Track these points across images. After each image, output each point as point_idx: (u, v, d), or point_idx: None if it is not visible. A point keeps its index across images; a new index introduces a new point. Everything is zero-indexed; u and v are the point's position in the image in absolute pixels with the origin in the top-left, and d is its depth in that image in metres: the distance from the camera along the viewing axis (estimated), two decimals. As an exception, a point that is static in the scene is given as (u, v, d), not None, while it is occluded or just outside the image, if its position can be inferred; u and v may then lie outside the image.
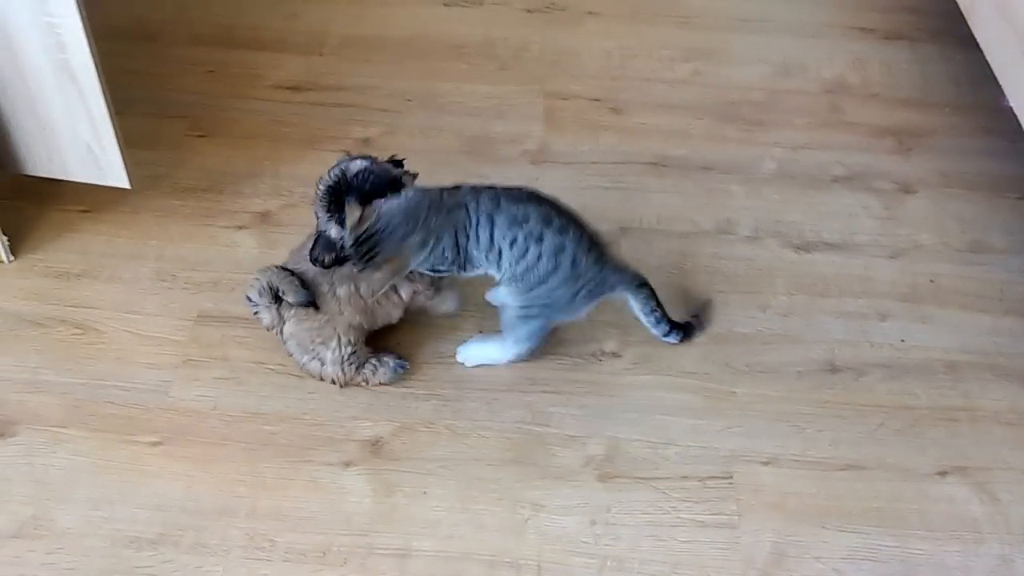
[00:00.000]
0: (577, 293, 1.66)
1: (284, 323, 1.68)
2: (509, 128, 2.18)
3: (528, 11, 2.47)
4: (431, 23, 2.42)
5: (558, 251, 1.62)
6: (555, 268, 1.63)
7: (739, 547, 1.56)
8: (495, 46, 2.37)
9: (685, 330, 1.78)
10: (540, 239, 1.62)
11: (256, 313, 1.69)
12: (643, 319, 1.75)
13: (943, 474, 1.66)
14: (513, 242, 1.63)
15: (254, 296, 1.68)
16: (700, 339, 1.81)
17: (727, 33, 2.43)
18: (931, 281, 1.93)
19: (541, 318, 1.69)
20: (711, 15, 2.49)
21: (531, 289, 1.65)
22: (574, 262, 1.63)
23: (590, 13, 2.47)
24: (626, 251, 1.93)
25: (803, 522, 1.59)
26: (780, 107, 2.26)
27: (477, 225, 1.62)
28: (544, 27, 2.43)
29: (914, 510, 1.61)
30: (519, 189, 1.68)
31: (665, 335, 1.76)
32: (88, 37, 1.64)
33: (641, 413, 1.71)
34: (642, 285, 1.72)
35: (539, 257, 1.63)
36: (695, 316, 1.81)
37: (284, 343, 1.70)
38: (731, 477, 1.63)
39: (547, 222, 1.63)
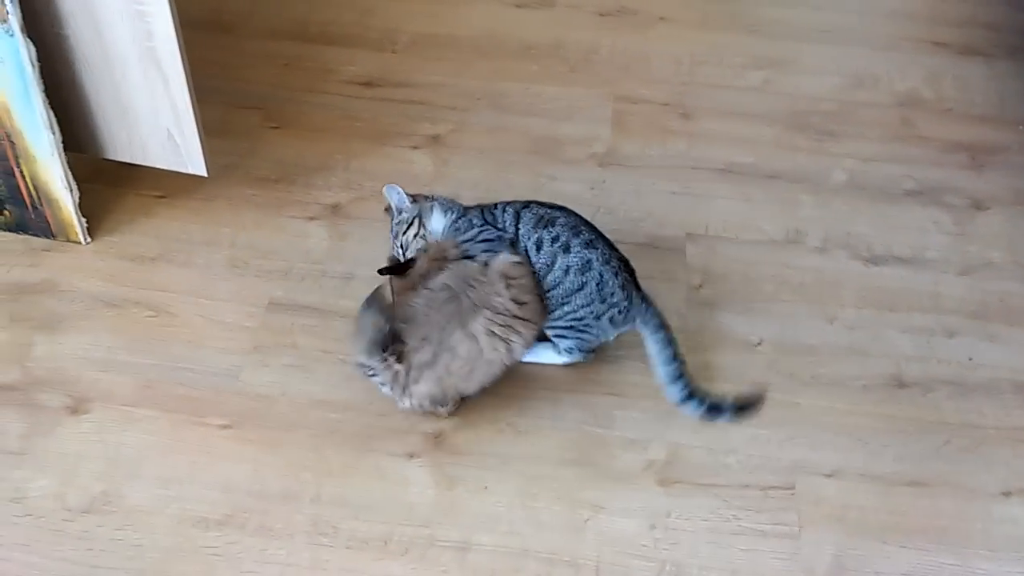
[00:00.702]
0: (602, 316, 1.67)
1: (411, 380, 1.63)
2: (577, 130, 2.19)
3: (600, 15, 2.48)
4: (502, 23, 2.43)
5: (584, 268, 1.64)
6: (581, 287, 1.64)
7: (799, 558, 1.55)
8: (565, 48, 2.38)
9: (712, 408, 1.65)
10: (567, 249, 1.64)
11: (372, 375, 1.65)
12: (659, 369, 1.67)
13: (1007, 495, 1.64)
14: (539, 245, 1.65)
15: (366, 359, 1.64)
16: (765, 348, 1.81)
17: (799, 43, 2.42)
18: (1001, 300, 1.91)
19: (571, 339, 1.70)
20: (782, 24, 2.48)
21: (557, 307, 1.67)
22: (600, 283, 1.64)
23: (661, 19, 2.48)
24: (692, 258, 1.94)
25: (864, 536, 1.58)
26: (851, 119, 2.25)
27: (504, 214, 1.68)
28: (615, 31, 2.43)
29: (977, 529, 1.60)
30: (556, 205, 1.71)
31: (681, 401, 1.65)
32: (176, 26, 1.68)
33: (703, 420, 1.71)
34: (661, 327, 1.66)
35: (566, 271, 1.64)
36: (741, 407, 1.67)
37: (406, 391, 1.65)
38: (793, 488, 1.63)
39: (575, 232, 1.65)
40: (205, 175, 1.89)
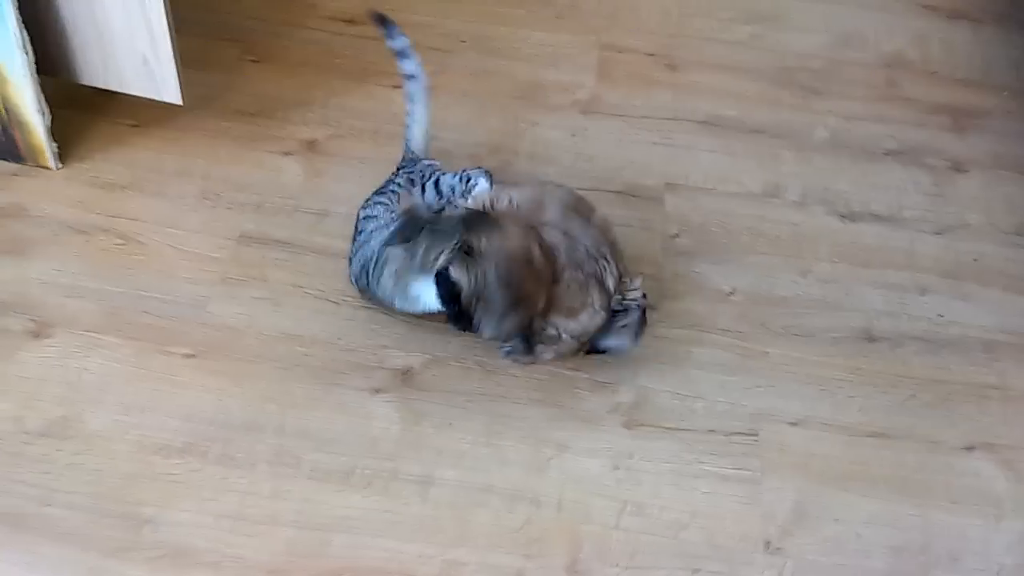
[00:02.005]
0: None
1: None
2: (562, 76, 2.16)
3: (589, -38, 2.45)
4: (491, -34, 2.40)
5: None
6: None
7: (760, 503, 1.56)
8: (554, -7, 2.35)
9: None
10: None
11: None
12: None
13: (970, 449, 1.65)
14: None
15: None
16: (737, 298, 1.81)
17: (788, -1, 2.40)
18: (975, 260, 1.91)
19: None
20: (773, -20, 2.46)
21: None
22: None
23: (651, -31, 2.45)
24: (670, 208, 1.93)
25: (826, 484, 1.59)
26: (837, 77, 2.23)
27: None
28: (603, -21, 2.41)
29: (938, 482, 1.61)
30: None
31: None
32: (153, -54, 1.65)
33: (672, 365, 1.71)
34: None
35: None
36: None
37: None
38: (757, 435, 1.63)
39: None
40: (180, 104, 1.86)
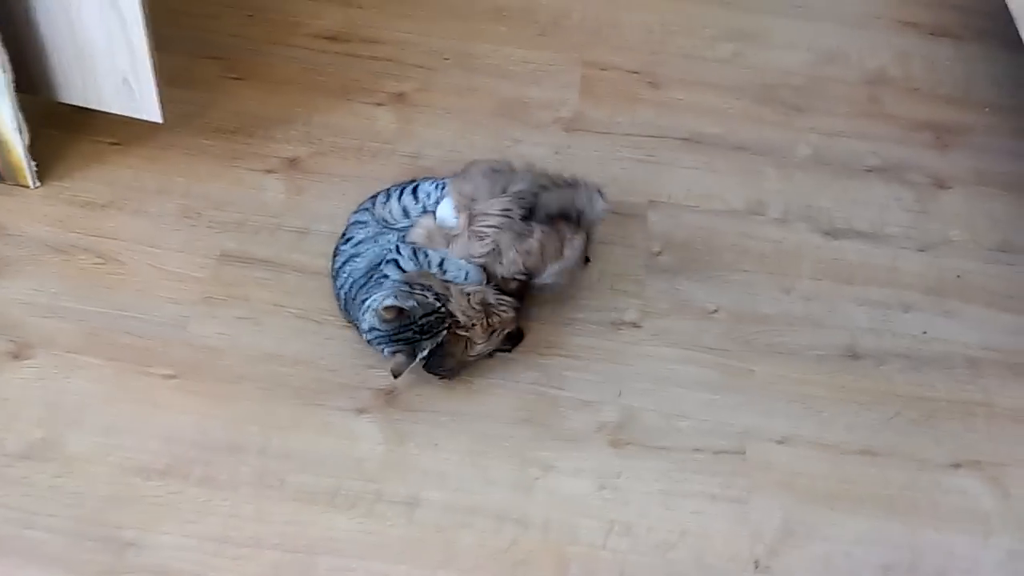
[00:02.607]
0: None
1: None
2: (544, 94, 2.16)
3: (571, -21, 2.45)
4: (473, -16, 2.41)
5: None
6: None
7: (748, 522, 1.55)
8: (536, 11, 2.35)
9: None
10: None
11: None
12: None
13: (956, 466, 1.64)
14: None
15: None
16: (721, 316, 1.81)
17: (771, 16, 2.41)
18: (958, 277, 1.91)
19: None
20: (755, -2, 2.47)
21: None
22: None
23: (633, -14, 2.46)
24: (653, 225, 1.93)
25: (813, 503, 1.58)
26: (819, 94, 2.24)
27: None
28: (586, -4, 2.41)
29: (925, 499, 1.60)
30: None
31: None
32: (133, -35, 1.64)
33: (657, 384, 1.70)
34: None
35: None
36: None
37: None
38: (743, 453, 1.63)
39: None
40: (160, 122, 1.85)
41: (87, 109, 1.88)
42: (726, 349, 1.76)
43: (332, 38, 2.22)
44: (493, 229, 1.67)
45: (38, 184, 1.87)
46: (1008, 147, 2.17)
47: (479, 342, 1.64)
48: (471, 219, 1.69)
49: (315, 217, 1.87)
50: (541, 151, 2.04)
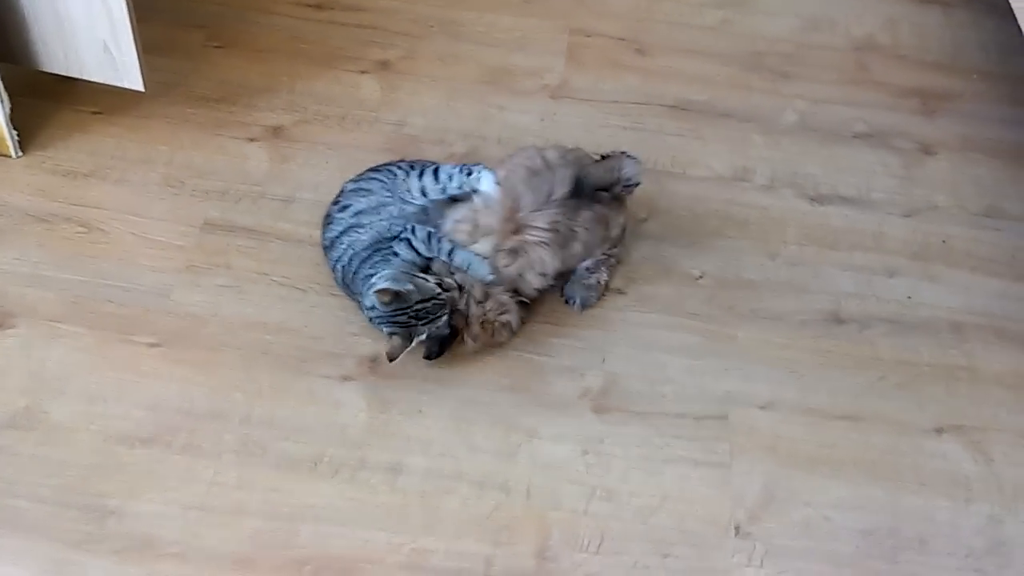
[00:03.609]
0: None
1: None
2: (530, 61, 2.15)
3: (558, -54, 2.43)
4: (459, -49, 2.38)
5: None
6: None
7: (729, 486, 1.55)
8: (522, -22, 2.33)
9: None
10: None
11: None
12: None
13: (939, 431, 1.65)
14: None
15: None
16: (706, 282, 1.80)
17: (759, -18, 2.39)
18: (943, 242, 1.91)
19: None
20: (743, -36, 2.45)
21: None
22: None
23: (620, -47, 2.44)
24: (639, 191, 1.91)
25: (795, 467, 1.58)
26: (806, 61, 2.23)
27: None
28: (573, -37, 2.39)
29: (907, 464, 1.61)
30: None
31: None
32: (110, -70, 1.62)
33: (641, 350, 1.70)
34: None
35: None
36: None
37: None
38: (726, 418, 1.63)
39: None
40: (142, 90, 1.84)
41: (69, 78, 1.87)
42: (710, 315, 1.76)
43: (316, 6, 2.20)
44: (542, 245, 1.64)
45: (20, 153, 1.86)
46: (995, 113, 2.16)
47: (472, 340, 1.64)
48: (518, 228, 1.65)
49: (299, 185, 1.87)
50: (527, 119, 2.03)
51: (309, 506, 1.50)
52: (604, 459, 1.57)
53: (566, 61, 2.16)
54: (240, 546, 1.46)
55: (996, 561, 1.52)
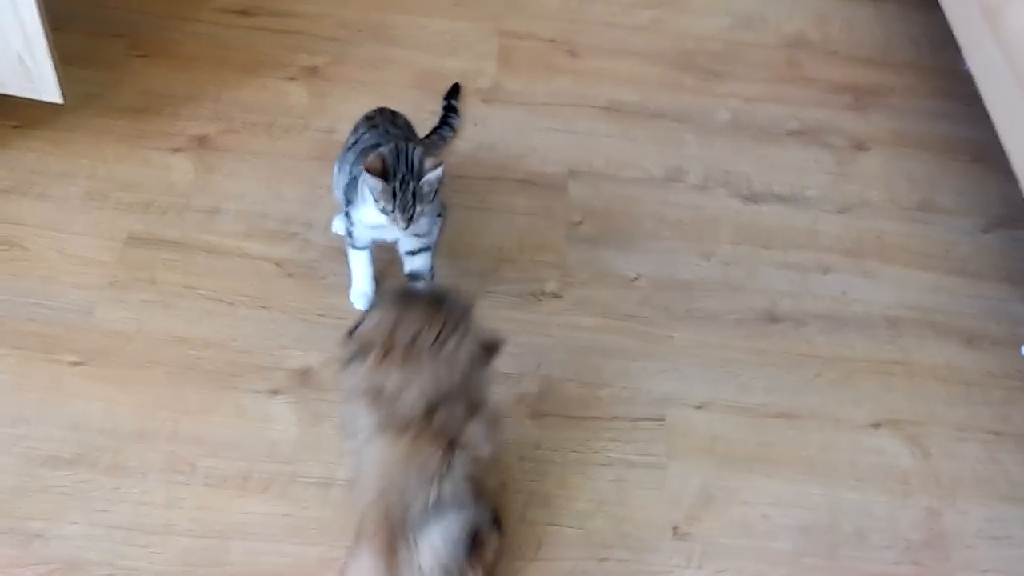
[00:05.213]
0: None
1: None
2: (461, 65, 2.13)
3: (488, -51, 2.41)
4: (388, -45, 2.36)
5: None
6: None
7: (666, 488, 1.54)
8: (452, -19, 2.31)
9: None
10: None
11: None
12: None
13: (876, 426, 1.65)
14: None
15: None
16: (641, 283, 1.79)
17: (689, -18, 2.39)
18: (877, 237, 1.92)
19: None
20: (674, -36, 2.45)
21: None
22: None
23: (551, -45, 2.42)
24: (573, 194, 1.91)
25: (732, 467, 1.58)
26: (738, 59, 2.23)
27: None
28: (504, -34, 2.37)
29: (844, 460, 1.61)
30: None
31: None
32: (18, -62, 1.57)
33: (577, 354, 1.69)
34: None
35: None
36: None
37: None
38: (663, 419, 1.62)
39: None
40: (60, 102, 1.79)
41: (-16, 91, 1.82)
42: (646, 316, 1.75)
43: (242, 12, 2.16)
44: None
45: (-66, 170, 1.81)
46: (926, 107, 2.18)
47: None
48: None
49: (225, 196, 1.83)
50: (458, 123, 2.00)
51: (239, 523, 1.46)
52: (541, 465, 1.56)
53: (498, 64, 2.15)
54: (169, 566, 1.42)
55: (934, 554, 1.52)
